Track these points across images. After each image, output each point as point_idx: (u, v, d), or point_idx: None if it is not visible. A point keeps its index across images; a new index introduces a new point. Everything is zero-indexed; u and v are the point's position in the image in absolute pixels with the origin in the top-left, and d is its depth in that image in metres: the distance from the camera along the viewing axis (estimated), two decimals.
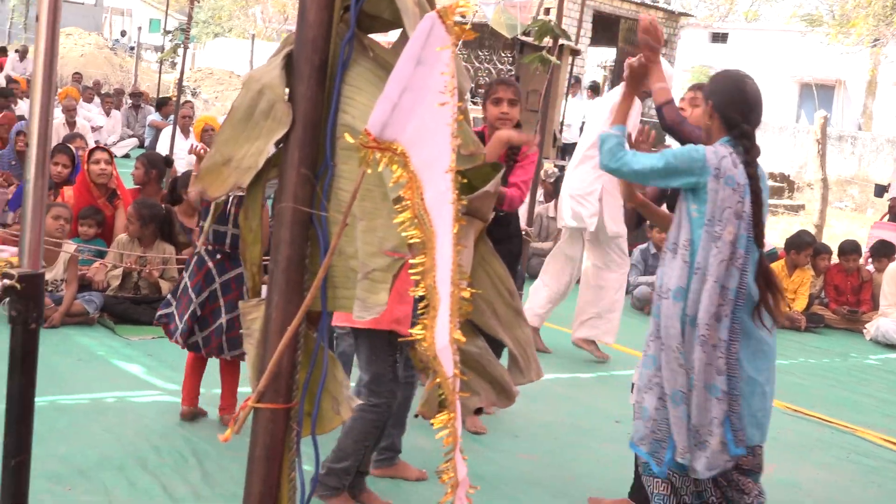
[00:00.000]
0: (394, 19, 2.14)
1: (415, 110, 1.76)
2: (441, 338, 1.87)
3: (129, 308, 7.89)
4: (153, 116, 19.93)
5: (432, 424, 2.04)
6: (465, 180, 2.07)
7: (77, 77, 24.02)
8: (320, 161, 2.10)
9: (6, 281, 2.15)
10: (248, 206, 2.24)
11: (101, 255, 8.48)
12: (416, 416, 2.29)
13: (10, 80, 19.88)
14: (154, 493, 4.85)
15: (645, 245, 11.69)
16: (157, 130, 18.07)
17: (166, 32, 17.94)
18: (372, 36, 2.26)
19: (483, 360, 2.33)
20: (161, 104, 19.89)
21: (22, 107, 17.70)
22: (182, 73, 13.60)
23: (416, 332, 1.87)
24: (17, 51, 26.57)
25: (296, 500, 2.21)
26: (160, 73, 23.31)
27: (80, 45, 31.92)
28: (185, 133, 14.94)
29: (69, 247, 7.87)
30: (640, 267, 11.49)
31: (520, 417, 6.54)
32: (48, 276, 7.65)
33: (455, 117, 1.74)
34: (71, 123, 15.89)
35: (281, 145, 2.13)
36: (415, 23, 1.93)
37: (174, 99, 18.87)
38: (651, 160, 4.42)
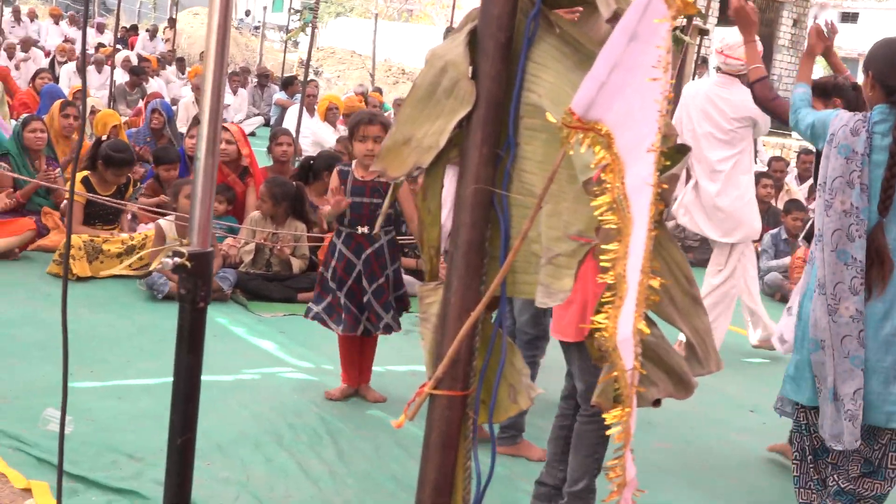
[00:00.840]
0: None
1: (623, 89, 1.69)
2: (624, 328, 1.79)
3: (261, 285, 7.98)
4: (278, 95, 20.16)
5: (604, 419, 1.96)
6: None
7: (204, 55, 24.45)
8: (502, 141, 2.04)
9: (176, 259, 2.14)
10: (427, 186, 2.19)
11: (233, 231, 8.59)
12: (592, 405, 2.21)
13: (141, 58, 20.30)
14: (290, 470, 4.88)
15: (776, 230, 11.34)
16: (283, 109, 18.28)
17: (295, 12, 18.12)
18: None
19: (660, 349, 2.25)
20: (287, 83, 20.10)
21: (153, 84, 18.08)
22: (310, 51, 13.71)
23: (599, 320, 1.79)
24: (147, 30, 27.18)
25: (470, 489, 2.15)
26: (285, 51, 23.56)
27: (206, 25, 32.46)
28: (311, 112, 15.06)
29: None
30: (771, 252, 11.15)
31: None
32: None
33: (666, 94, 1.66)
34: (200, 101, 16.17)
35: (463, 124, 2.07)
36: None
37: (299, 78, 19.10)
38: (809, 118, 4.41)
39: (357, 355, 6.08)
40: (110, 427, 5.12)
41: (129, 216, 8.73)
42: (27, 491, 4.35)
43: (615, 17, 1.89)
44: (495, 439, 2.24)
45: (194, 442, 2.35)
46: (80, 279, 7.83)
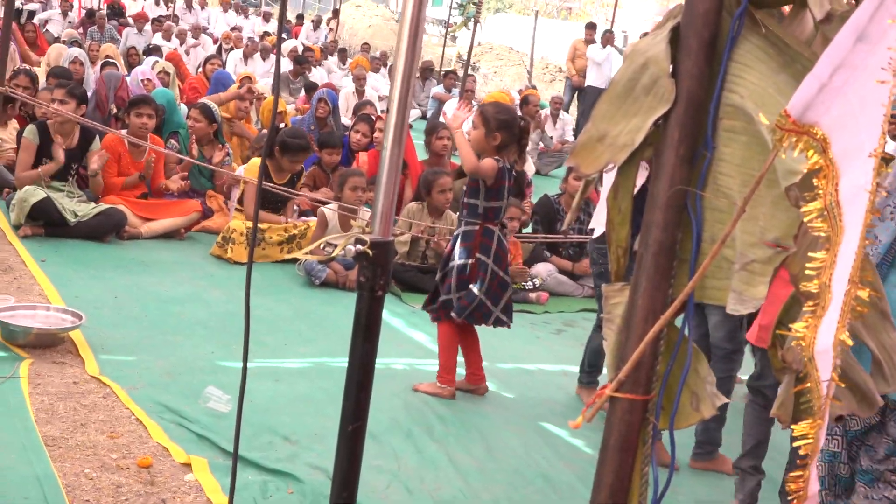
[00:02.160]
0: None
1: (845, 91, 1.63)
2: (823, 339, 1.72)
3: (416, 276, 8.04)
4: (436, 89, 20.30)
5: (792, 430, 1.89)
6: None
7: (365, 47, 24.78)
8: (699, 142, 1.99)
9: (358, 247, 2.16)
10: (619, 185, 2.15)
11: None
12: (770, 417, 2.14)
13: (305, 48, 20.70)
14: (441, 463, 4.90)
15: None
16: (440, 102, 18.38)
17: (460, 6, 18.20)
18: None
19: (844, 363, 2.16)
20: (444, 77, 20.23)
21: (315, 74, 18.41)
22: (471, 47, 13.75)
23: (798, 328, 1.72)
24: (311, 20, 27.69)
25: (646, 495, 2.11)
26: (444, 46, 23.72)
27: (367, 17, 32.92)
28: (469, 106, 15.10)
29: (364, 214, 8.07)
30: None
31: None
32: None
33: (893, 98, 1.59)
34: (360, 92, 16.38)
35: (659, 123, 2.03)
36: None
37: (457, 72, 19.20)
38: None
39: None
40: (267, 409, 5.22)
41: (295, 206, 8.90)
42: (187, 465, 4.47)
43: (828, 19, 1.82)
44: (675, 448, 2.18)
45: (364, 429, 2.36)
46: (238, 263, 8.04)
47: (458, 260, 5.69)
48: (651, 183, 2.03)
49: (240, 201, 8.96)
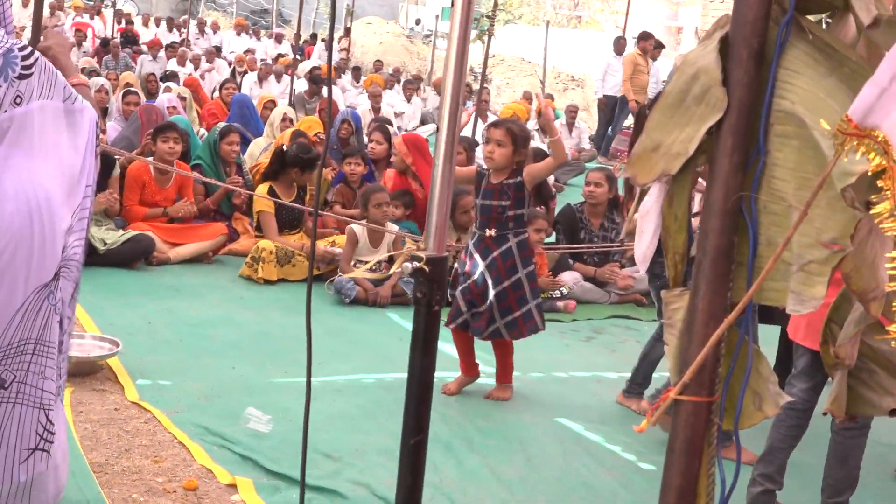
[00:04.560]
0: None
1: None
2: None
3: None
4: None
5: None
6: None
7: (378, 65, 24.91)
8: (751, 148, 2.04)
9: (415, 263, 2.20)
10: (674, 193, 2.19)
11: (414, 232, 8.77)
12: (824, 413, 2.18)
13: (318, 68, 20.81)
14: (482, 475, 4.93)
15: None
16: None
17: (473, 20, 18.27)
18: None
19: None
20: None
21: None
22: (486, 59, 13.81)
23: (894, 329, 1.77)
24: (322, 39, 27.83)
25: (714, 495, 2.15)
26: None
27: (378, 34, 33.04)
28: (484, 118, 15.16)
29: (391, 228, 8.14)
30: None
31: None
32: (373, 258, 7.94)
33: None
34: (376, 109, 16.48)
35: (712, 132, 2.07)
36: (866, 2, 1.83)
37: (469, 85, 19.24)
38: None
39: (467, 347, 6.19)
40: None
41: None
42: (232, 486, 4.51)
43: (875, 24, 1.87)
44: (739, 447, 2.21)
45: (426, 442, 2.40)
46: (268, 283, 8.10)
47: (524, 270, 5.96)
48: (707, 190, 2.08)
49: (257, 227, 9.01)
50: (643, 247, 5.96)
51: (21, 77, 3.35)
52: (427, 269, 2.20)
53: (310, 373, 2.43)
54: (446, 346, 6.97)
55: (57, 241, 3.39)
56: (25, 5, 23.54)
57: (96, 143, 3.77)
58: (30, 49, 3.43)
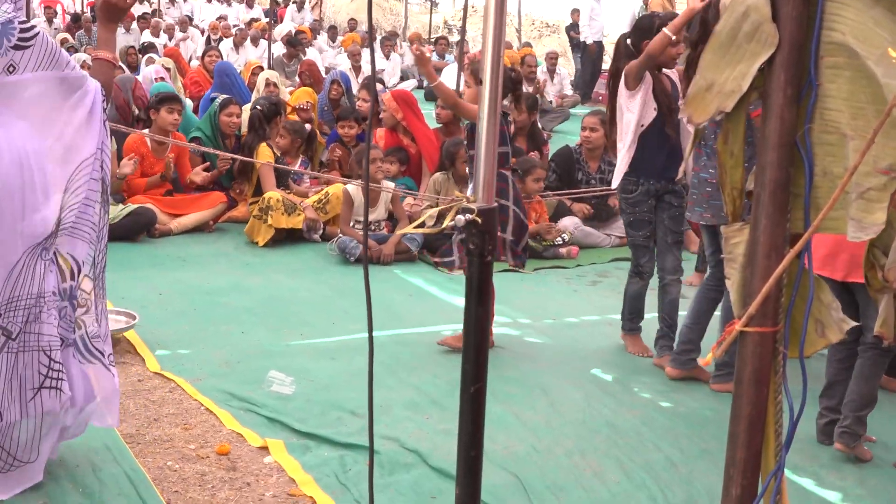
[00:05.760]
0: None
1: None
2: None
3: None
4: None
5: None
6: None
7: (352, 23, 24.76)
8: (804, 81, 2.08)
9: (468, 216, 2.25)
10: (728, 130, 2.24)
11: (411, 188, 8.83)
12: (875, 336, 2.26)
13: (298, 31, 20.69)
14: (508, 422, 4.98)
15: None
16: (437, 71, 18.40)
17: None
18: None
19: None
20: (436, 44, 20.25)
21: (309, 54, 18.38)
22: (465, 13, 13.77)
23: None
24: (294, 2, 27.61)
25: (782, 423, 2.22)
26: (431, 13, 23.69)
27: None
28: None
29: (388, 186, 8.17)
30: None
31: None
32: (371, 217, 7.98)
33: None
34: (356, 68, 16.42)
35: (763, 68, 2.12)
36: None
37: (445, 38, 19.21)
38: None
39: None
40: (329, 386, 5.32)
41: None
42: (264, 448, 4.57)
43: None
44: (806, 376, 2.28)
45: (485, 390, 2.46)
46: (269, 244, 8.17)
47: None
48: (761, 124, 2.12)
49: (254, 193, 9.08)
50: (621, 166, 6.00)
51: (17, 48, 3.59)
52: (479, 220, 2.24)
53: (370, 325, 2.48)
54: (456, 299, 7.05)
55: (49, 194, 3.70)
56: None
57: (103, 115, 3.88)
58: (32, 24, 3.66)
